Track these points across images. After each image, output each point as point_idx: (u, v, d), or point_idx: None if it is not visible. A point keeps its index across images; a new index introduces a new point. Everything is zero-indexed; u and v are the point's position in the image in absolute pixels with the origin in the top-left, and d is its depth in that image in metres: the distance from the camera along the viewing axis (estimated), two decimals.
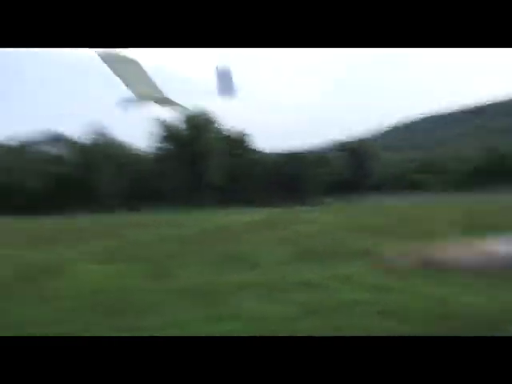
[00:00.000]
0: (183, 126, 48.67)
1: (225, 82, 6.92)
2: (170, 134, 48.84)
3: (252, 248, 10.93)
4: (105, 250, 11.57)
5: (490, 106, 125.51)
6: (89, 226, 22.44)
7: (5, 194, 44.03)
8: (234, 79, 6.79)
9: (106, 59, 5.75)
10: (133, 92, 6.64)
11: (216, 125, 49.88)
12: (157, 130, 48.87)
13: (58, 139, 56.08)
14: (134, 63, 5.72)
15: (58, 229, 20.81)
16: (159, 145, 50.09)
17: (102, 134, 49.89)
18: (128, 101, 6.83)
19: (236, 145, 51.32)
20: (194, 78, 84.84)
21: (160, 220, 24.70)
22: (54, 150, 54.66)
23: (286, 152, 54.60)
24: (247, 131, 52.93)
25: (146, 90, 6.44)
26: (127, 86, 6.32)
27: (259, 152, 53.79)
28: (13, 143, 52.30)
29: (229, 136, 51.64)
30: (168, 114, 47.21)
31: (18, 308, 5.94)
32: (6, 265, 9.71)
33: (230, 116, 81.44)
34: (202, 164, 45.74)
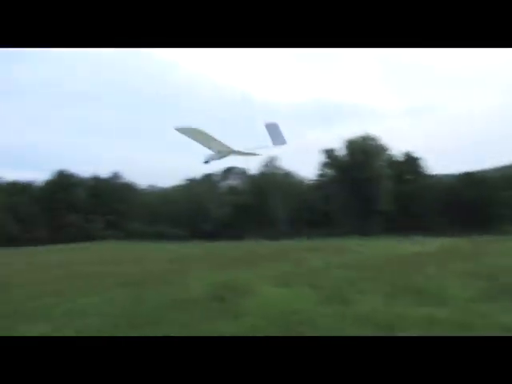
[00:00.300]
0: (347, 151, 48.58)
1: (274, 133, 8.02)
2: (334, 161, 49.30)
3: (434, 280, 9.91)
4: (280, 274, 12.17)
5: None
6: (264, 250, 24.09)
7: (195, 222, 51.23)
8: (282, 130, 8.15)
9: (184, 133, 7.91)
10: (212, 151, 8.65)
11: (383, 148, 48.06)
12: (321, 158, 50.02)
13: (235, 172, 62.89)
14: (201, 133, 7.92)
15: (238, 253, 22.96)
16: (323, 172, 51.00)
17: (271, 165, 53.76)
18: (211, 157, 9.01)
19: (406, 168, 48.30)
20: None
21: (328, 246, 24.82)
22: (232, 182, 61.61)
23: (464, 173, 48.54)
24: (418, 153, 49.22)
25: (219, 148, 8.66)
26: (207, 147, 8.63)
27: (432, 175, 49.24)
28: (201, 177, 60.99)
29: (398, 160, 49.03)
30: (331, 142, 47.91)
31: (213, 323, 6.68)
32: (199, 284, 11.11)
33: (399, 138, 77.57)
34: (369, 190, 44.46)
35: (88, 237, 50.69)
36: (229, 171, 61.96)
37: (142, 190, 63.14)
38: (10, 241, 44.75)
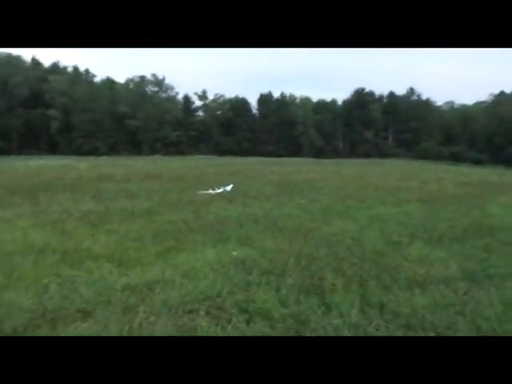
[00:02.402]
0: None
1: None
2: None
3: None
4: None
5: None
6: None
7: (499, 145, 44.71)
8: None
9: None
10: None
11: None
12: None
13: None
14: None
15: None
16: None
17: None
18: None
19: None
20: None
21: None
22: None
23: None
24: None
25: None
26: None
27: None
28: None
29: None
30: None
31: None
32: (498, 212, 10.13)
33: None
34: None
35: (380, 153, 52.99)
36: None
37: (439, 107, 59.02)
38: (317, 153, 52.56)
